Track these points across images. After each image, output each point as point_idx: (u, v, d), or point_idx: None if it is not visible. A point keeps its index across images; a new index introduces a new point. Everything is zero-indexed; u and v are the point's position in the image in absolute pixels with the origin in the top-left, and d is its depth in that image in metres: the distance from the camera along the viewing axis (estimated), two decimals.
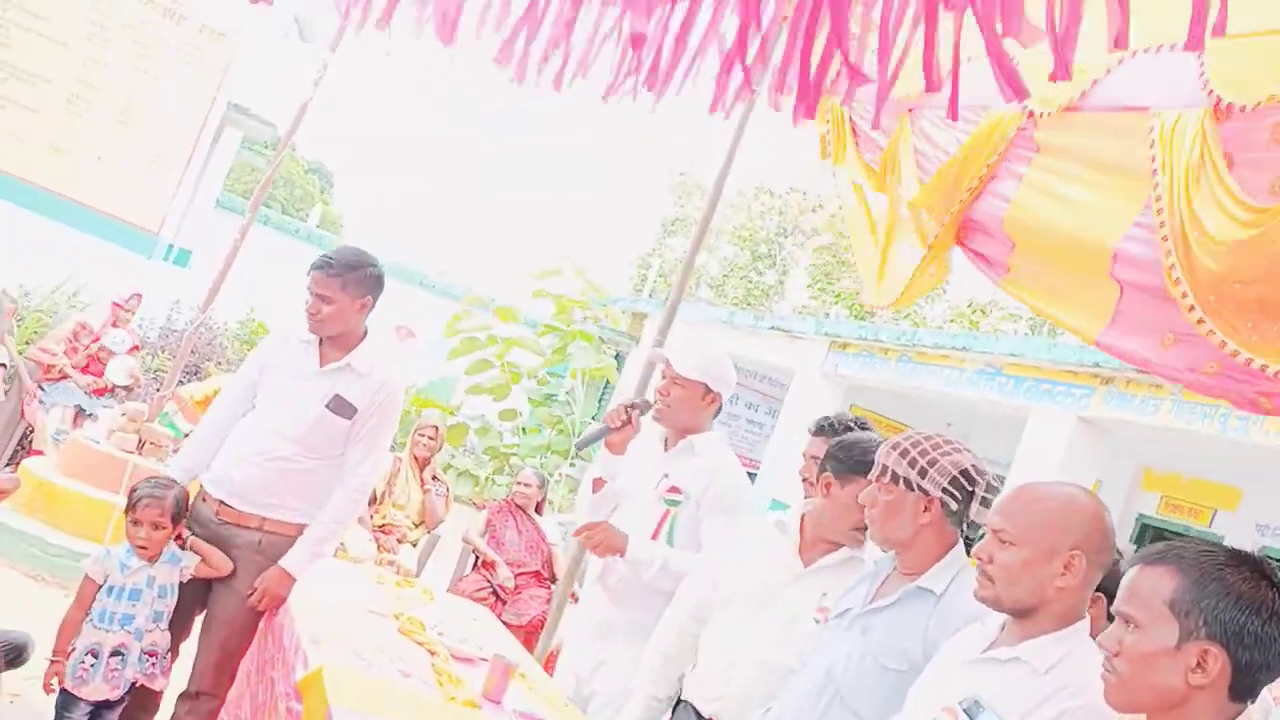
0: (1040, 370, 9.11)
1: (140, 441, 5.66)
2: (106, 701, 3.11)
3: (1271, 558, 1.64)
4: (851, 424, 3.13)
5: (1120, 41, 1.41)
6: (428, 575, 6.21)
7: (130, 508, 3.17)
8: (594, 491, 3.33)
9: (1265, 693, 2.30)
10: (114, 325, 7.60)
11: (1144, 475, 10.56)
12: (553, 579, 6.38)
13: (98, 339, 7.46)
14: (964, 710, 1.91)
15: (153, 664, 3.19)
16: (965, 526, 2.37)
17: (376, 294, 3.34)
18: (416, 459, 6.54)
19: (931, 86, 1.64)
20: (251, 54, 8.40)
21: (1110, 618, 1.68)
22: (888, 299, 3.49)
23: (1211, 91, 2.35)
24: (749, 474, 3.75)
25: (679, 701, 2.78)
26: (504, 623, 5.06)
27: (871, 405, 11.94)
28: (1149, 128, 2.51)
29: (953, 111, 1.82)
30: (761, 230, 25.32)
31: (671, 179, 26.51)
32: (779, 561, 2.71)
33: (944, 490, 2.30)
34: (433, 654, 2.93)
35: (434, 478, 6.66)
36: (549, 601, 5.97)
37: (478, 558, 6.38)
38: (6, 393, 7.06)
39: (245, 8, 8.18)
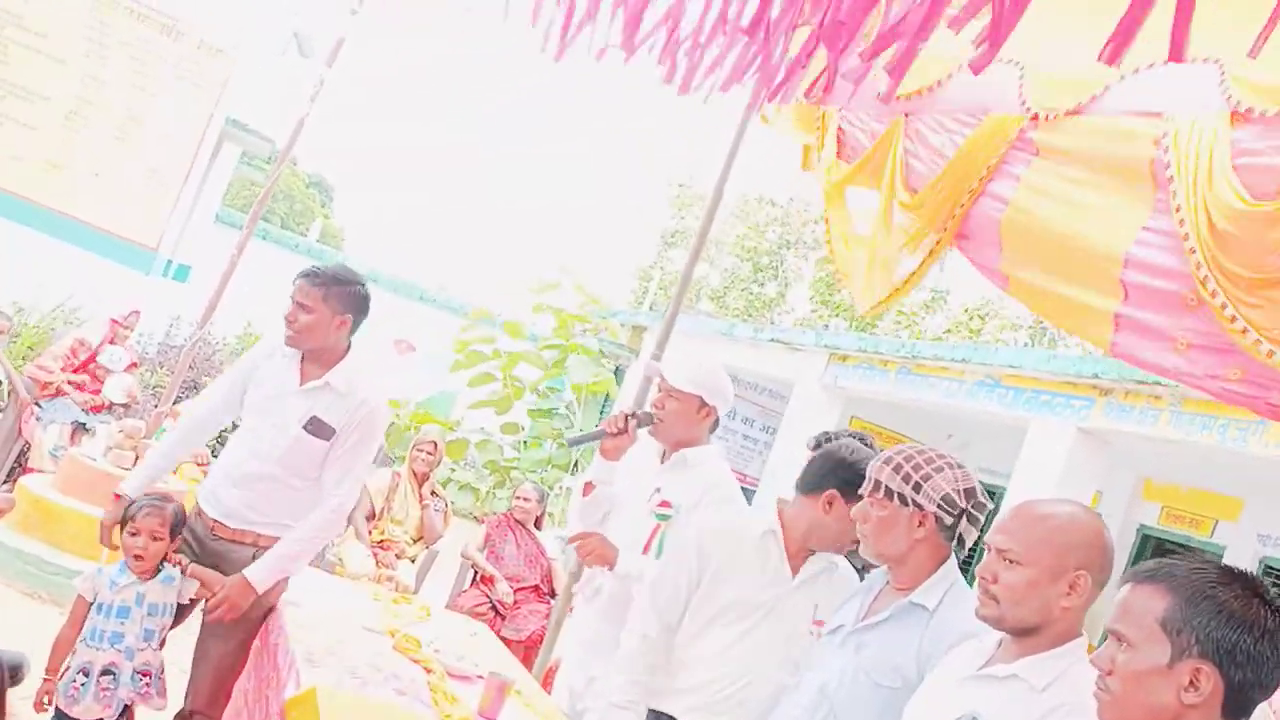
0: (1040, 381, 9.11)
1: (137, 458, 5.65)
2: None
3: (1273, 568, 1.63)
4: (852, 439, 3.12)
5: (1176, 53, 1.36)
6: (427, 591, 6.20)
7: (129, 518, 3.15)
8: (584, 495, 3.33)
9: (1265, 706, 2.28)
10: (112, 342, 7.59)
11: (1144, 486, 10.55)
12: (552, 594, 6.36)
13: (95, 356, 7.45)
14: None
15: (146, 684, 3.15)
16: (957, 541, 2.36)
17: (359, 313, 3.31)
18: (415, 474, 6.52)
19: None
20: (250, 69, 8.40)
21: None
22: (874, 299, 3.48)
23: (1230, 96, 2.32)
24: (745, 490, 3.74)
25: (654, 713, 2.71)
26: (503, 638, 5.04)
27: (871, 417, 11.93)
28: (1161, 133, 2.48)
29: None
30: (763, 242, 25.33)
31: (671, 191, 26.55)
32: (773, 572, 2.70)
33: (938, 505, 2.29)
34: (429, 672, 2.92)
35: (433, 493, 6.65)
36: (548, 616, 5.95)
37: (477, 573, 6.37)
38: (3, 410, 7.06)
39: (244, 24, 8.19)
